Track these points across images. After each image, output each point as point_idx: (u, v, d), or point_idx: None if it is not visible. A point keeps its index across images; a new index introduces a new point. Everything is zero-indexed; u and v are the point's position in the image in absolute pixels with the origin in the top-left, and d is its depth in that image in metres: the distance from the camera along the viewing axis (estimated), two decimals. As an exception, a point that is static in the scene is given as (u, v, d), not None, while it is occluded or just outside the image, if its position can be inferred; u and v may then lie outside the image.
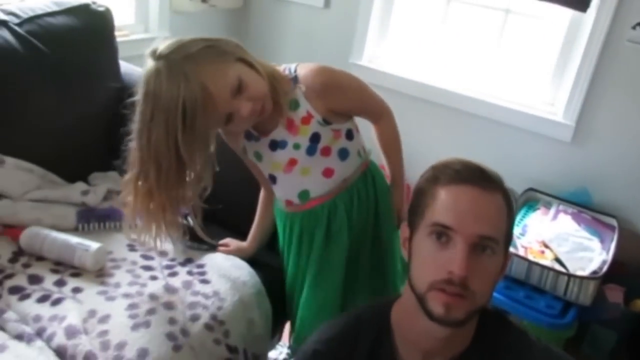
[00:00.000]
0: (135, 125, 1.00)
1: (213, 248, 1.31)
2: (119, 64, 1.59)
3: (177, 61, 0.94)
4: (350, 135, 1.16)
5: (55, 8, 1.43)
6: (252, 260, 1.30)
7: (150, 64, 0.97)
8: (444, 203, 0.80)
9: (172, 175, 1.01)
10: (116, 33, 1.59)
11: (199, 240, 1.27)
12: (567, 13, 1.97)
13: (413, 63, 2.26)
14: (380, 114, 1.22)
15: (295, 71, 1.10)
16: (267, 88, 1.04)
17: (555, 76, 2.05)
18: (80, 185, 1.39)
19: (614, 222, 1.89)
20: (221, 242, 1.33)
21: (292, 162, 1.13)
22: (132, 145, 1.03)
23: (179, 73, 0.93)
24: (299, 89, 1.09)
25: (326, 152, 1.13)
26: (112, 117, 1.55)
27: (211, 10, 2.32)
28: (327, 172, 1.15)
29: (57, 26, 1.41)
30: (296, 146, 1.11)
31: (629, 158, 1.94)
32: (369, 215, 1.21)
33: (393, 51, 2.31)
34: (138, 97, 0.99)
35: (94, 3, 1.52)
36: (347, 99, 1.14)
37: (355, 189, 1.18)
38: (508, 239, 0.84)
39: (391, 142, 1.24)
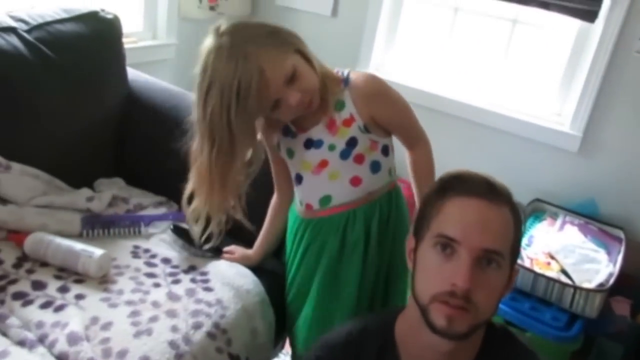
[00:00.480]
0: (193, 97, 1.04)
1: (218, 255, 1.31)
2: (127, 71, 1.60)
3: (239, 42, 0.98)
4: (386, 151, 1.15)
5: (64, 15, 1.44)
6: (257, 268, 1.30)
7: (212, 39, 1.00)
8: (450, 215, 0.80)
9: (224, 152, 1.03)
10: (124, 40, 1.60)
11: (204, 247, 1.26)
12: (575, 24, 1.96)
13: (420, 72, 2.25)
14: (417, 140, 1.19)
15: (347, 75, 1.12)
16: (318, 83, 1.06)
17: (562, 87, 2.04)
18: (86, 192, 1.39)
19: (621, 234, 1.88)
20: (226, 249, 1.32)
21: (323, 164, 1.12)
22: (192, 117, 1.06)
23: (239, 53, 0.96)
24: (348, 91, 1.10)
25: (359, 159, 1.12)
26: (119, 124, 1.57)
27: (219, 17, 2.33)
28: (355, 181, 1.13)
29: (65, 33, 1.42)
30: (331, 147, 1.11)
31: (637, 169, 1.93)
32: (387, 238, 1.18)
33: (400, 60, 2.31)
34: (197, 69, 1.01)
35: (102, 10, 1.53)
36: (392, 111, 1.14)
37: (378, 205, 1.16)
38: (515, 253, 0.83)
39: (425, 172, 1.20)
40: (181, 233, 1.33)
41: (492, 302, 0.80)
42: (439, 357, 0.84)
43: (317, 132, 1.12)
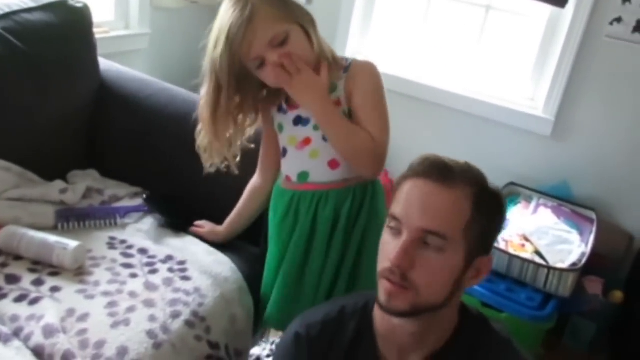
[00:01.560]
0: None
1: (188, 226, 1.35)
2: (98, 61, 1.57)
3: None
4: None
5: (31, 4, 1.41)
6: (236, 254, 1.31)
7: None
8: (400, 196, 0.82)
9: (211, 91, 1.12)
10: (95, 30, 1.57)
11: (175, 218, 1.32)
12: (547, 9, 1.99)
13: (395, 59, 2.26)
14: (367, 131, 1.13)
15: (350, 62, 1.17)
16: (313, 61, 1.11)
17: (535, 71, 2.08)
18: (59, 184, 1.37)
19: (592, 215, 1.92)
20: (196, 222, 1.37)
21: (307, 141, 1.17)
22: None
23: (243, 2, 1.05)
24: (345, 77, 1.15)
25: None
26: (92, 115, 1.55)
27: (193, 6, 2.31)
28: (333, 164, 1.16)
29: (33, 23, 1.39)
30: (316, 127, 1.15)
31: (608, 151, 1.97)
32: (357, 228, 1.19)
33: (375, 47, 2.32)
34: None
35: (71, -1, 1.50)
36: (364, 98, 1.14)
37: (352, 193, 1.17)
38: (474, 239, 0.79)
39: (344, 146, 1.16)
40: (154, 203, 1.38)
41: (435, 284, 0.79)
42: (407, 338, 0.85)
43: (307, 110, 1.15)
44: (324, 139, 1.14)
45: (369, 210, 1.20)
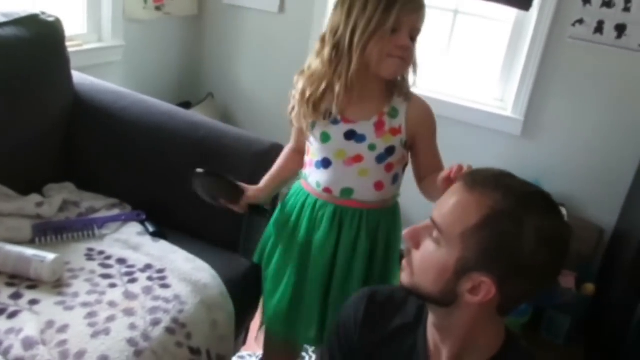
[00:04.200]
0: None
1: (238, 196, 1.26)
2: (71, 75, 1.57)
3: None
4: (404, 168, 1.24)
5: (2, 19, 1.41)
6: (216, 260, 1.31)
7: None
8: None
9: (337, 60, 1.11)
10: (68, 43, 1.58)
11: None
12: (513, 12, 2.05)
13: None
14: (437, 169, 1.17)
15: (409, 90, 1.19)
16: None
17: (503, 73, 2.14)
18: (35, 197, 1.37)
19: (563, 211, 1.97)
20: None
21: (358, 158, 1.16)
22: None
23: None
24: (406, 105, 1.17)
25: (389, 168, 1.18)
26: (66, 128, 1.55)
27: (166, 17, 2.32)
28: (379, 185, 1.19)
29: (4, 37, 1.39)
30: (372, 147, 1.15)
31: (576, 148, 2.03)
32: (376, 250, 1.22)
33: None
34: None
35: (43, 13, 1.51)
36: (431, 141, 1.21)
37: (381, 217, 1.21)
38: (471, 247, 0.78)
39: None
40: (212, 178, 1.25)
41: (424, 271, 0.83)
42: (435, 330, 0.89)
43: (364, 127, 1.15)
44: (378, 160, 1.16)
45: (387, 232, 1.23)
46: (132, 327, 1.08)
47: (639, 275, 1.61)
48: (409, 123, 1.17)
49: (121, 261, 1.27)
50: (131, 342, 1.05)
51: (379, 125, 1.15)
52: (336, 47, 1.11)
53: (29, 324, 1.03)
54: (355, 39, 1.08)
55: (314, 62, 1.16)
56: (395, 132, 1.16)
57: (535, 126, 2.07)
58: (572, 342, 1.92)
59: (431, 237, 0.82)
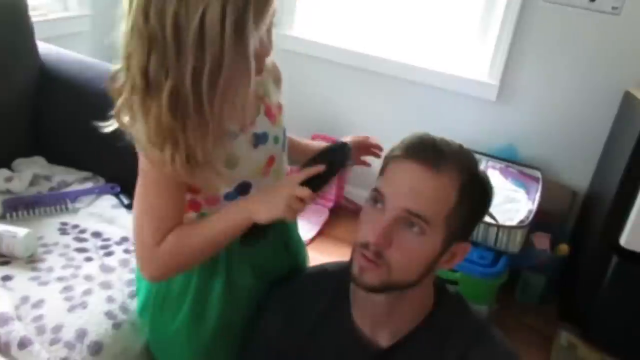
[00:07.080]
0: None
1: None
2: (36, 45, 1.52)
3: None
4: None
5: (-41, -12, 1.35)
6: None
7: None
8: (388, 174, 0.82)
9: (210, 77, 0.73)
10: (32, 13, 1.51)
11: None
12: (487, -24, 2.03)
13: (341, 30, 2.27)
14: None
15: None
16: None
17: (478, 38, 2.12)
18: (3, 172, 1.34)
19: (538, 174, 2.01)
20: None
21: (271, 161, 0.93)
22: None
23: None
24: (267, 75, 0.94)
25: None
26: (33, 101, 1.50)
27: (133, -15, 2.24)
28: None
29: (-38, 7, 1.33)
30: (276, 139, 0.94)
31: (550, 113, 2.05)
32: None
33: (321, 19, 2.31)
34: None
35: (3, -19, 1.44)
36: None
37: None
38: (455, 225, 0.79)
39: None
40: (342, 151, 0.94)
41: (409, 265, 0.79)
42: (376, 310, 0.86)
43: (260, 123, 0.91)
44: (283, 147, 0.97)
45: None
46: (110, 299, 1.07)
47: (610, 234, 1.65)
48: (277, 89, 0.97)
49: (96, 234, 1.25)
50: (109, 314, 1.04)
51: (268, 111, 0.93)
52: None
53: (2, 300, 1.02)
54: None
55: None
56: (280, 108, 0.96)
57: (511, 91, 2.07)
58: (546, 301, 1.97)
59: (407, 229, 0.78)
